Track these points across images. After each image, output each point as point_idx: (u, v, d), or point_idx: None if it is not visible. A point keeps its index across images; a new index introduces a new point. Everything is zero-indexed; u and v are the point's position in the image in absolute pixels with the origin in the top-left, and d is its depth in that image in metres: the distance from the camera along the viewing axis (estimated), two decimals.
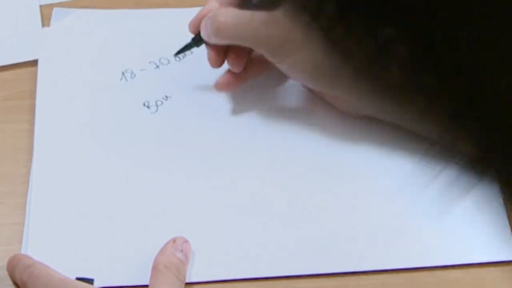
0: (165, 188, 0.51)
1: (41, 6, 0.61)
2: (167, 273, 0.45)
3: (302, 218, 0.49)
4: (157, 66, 0.57)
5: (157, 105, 0.54)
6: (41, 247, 0.48)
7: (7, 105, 0.56)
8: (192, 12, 0.60)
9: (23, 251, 0.48)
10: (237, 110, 0.54)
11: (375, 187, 0.51)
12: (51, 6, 0.61)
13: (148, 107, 0.54)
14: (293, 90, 0.54)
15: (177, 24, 0.59)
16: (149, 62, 0.57)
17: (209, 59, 0.52)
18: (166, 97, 0.55)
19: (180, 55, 0.57)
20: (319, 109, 0.53)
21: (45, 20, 0.60)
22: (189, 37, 0.58)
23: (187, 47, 0.53)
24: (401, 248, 0.47)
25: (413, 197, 0.50)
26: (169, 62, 0.57)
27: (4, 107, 0.55)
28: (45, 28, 0.59)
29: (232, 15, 0.49)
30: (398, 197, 0.50)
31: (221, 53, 0.51)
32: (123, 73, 0.56)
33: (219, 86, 0.52)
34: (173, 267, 0.46)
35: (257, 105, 0.54)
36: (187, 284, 0.47)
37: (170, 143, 0.53)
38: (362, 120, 0.52)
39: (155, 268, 0.46)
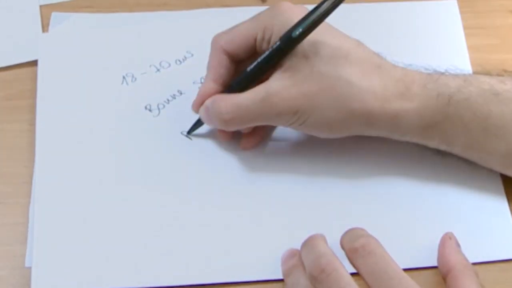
0: (166, 189, 0.51)
1: (41, 7, 0.61)
2: (471, 274, 0.45)
3: (300, 221, 0.50)
4: (158, 70, 0.57)
5: (159, 108, 0.55)
6: (46, 248, 0.48)
7: (7, 105, 0.55)
8: (191, 14, 0.61)
9: (27, 252, 0.48)
10: None
11: (375, 188, 0.51)
12: (51, 6, 0.61)
13: (150, 110, 0.55)
14: None
15: (177, 27, 0.60)
16: (150, 66, 0.57)
17: (220, 135, 0.53)
18: (168, 100, 0.55)
19: (181, 59, 0.57)
20: None
21: (45, 21, 0.60)
22: (188, 37, 0.59)
23: (197, 125, 0.53)
24: (401, 248, 0.48)
25: (413, 197, 0.51)
26: (169, 65, 0.57)
27: (4, 107, 0.55)
28: (45, 33, 0.59)
29: (235, 107, 0.49)
30: (398, 197, 0.51)
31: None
32: (124, 77, 0.56)
33: (245, 147, 0.53)
34: (470, 266, 0.45)
35: None
36: (187, 285, 0.47)
37: (172, 146, 0.53)
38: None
39: (454, 269, 0.45)
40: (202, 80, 0.56)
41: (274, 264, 0.48)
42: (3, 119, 0.55)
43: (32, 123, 0.54)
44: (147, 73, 0.57)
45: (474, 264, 0.46)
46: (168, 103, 0.55)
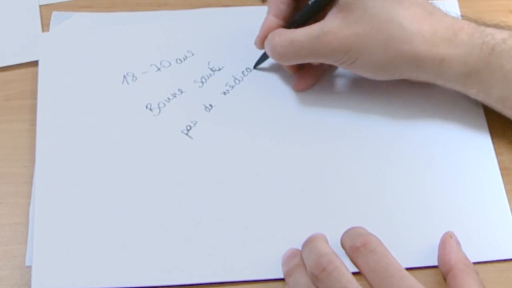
0: (166, 188, 0.51)
1: (40, 7, 0.61)
2: (472, 273, 0.45)
3: (300, 221, 0.50)
4: (159, 69, 0.57)
5: (159, 108, 0.55)
6: (46, 247, 0.48)
7: (8, 105, 0.55)
8: (191, 14, 0.61)
9: (27, 251, 0.48)
10: (242, 109, 0.55)
11: (375, 187, 0.51)
12: (51, 6, 0.61)
13: (150, 109, 0.55)
14: None
15: (178, 26, 0.60)
16: (150, 65, 0.57)
17: (286, 68, 0.56)
18: (169, 99, 0.55)
19: (181, 58, 0.57)
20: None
21: (45, 21, 0.60)
22: (189, 37, 0.59)
23: (262, 59, 0.56)
24: (401, 247, 0.48)
25: (414, 196, 0.51)
26: (170, 64, 0.57)
27: (5, 107, 0.55)
28: (45, 33, 0.59)
29: (288, 41, 0.51)
30: (398, 196, 0.51)
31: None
32: (124, 76, 0.56)
33: (298, 88, 0.55)
34: (471, 264, 0.46)
35: (262, 104, 0.55)
36: (187, 285, 0.47)
37: (173, 145, 0.53)
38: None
39: (455, 268, 0.45)
40: (203, 79, 0.57)
41: (274, 264, 0.48)
42: (3, 119, 0.55)
43: (33, 123, 0.54)
44: (147, 73, 0.57)
45: (474, 264, 0.46)
46: (169, 102, 0.55)
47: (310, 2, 0.51)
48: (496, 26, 0.51)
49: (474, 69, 0.49)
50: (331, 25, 0.50)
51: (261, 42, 0.54)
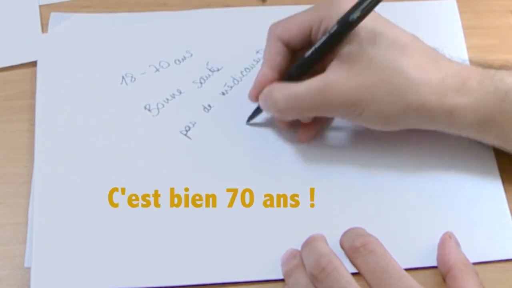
0: (165, 189, 0.51)
1: (40, 7, 0.61)
2: (471, 273, 0.45)
3: (300, 221, 0.50)
4: (157, 70, 0.57)
5: (158, 108, 0.55)
6: (45, 248, 0.48)
7: (8, 105, 0.55)
8: (191, 14, 0.61)
9: (27, 252, 0.48)
10: (241, 109, 0.55)
11: (375, 188, 0.51)
12: (51, 6, 0.61)
13: (149, 110, 0.55)
14: None
15: (177, 27, 0.60)
16: (149, 66, 0.57)
17: (277, 123, 0.53)
18: (167, 99, 0.55)
19: (180, 58, 0.57)
20: None
21: (44, 21, 0.60)
22: (188, 37, 0.59)
23: (255, 113, 0.53)
24: (401, 248, 0.48)
25: (413, 197, 0.51)
26: (168, 65, 0.57)
27: (4, 107, 0.55)
28: (44, 34, 0.59)
29: (290, 97, 0.49)
30: (398, 197, 0.51)
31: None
32: (123, 77, 0.56)
33: (302, 139, 0.53)
34: (470, 265, 0.46)
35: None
36: (187, 285, 0.47)
37: (172, 146, 0.53)
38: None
39: (454, 268, 0.45)
40: (202, 80, 0.57)
41: (274, 264, 0.48)
42: (3, 119, 0.55)
43: (32, 123, 0.54)
44: (146, 73, 0.57)
45: (474, 264, 0.46)
46: (168, 102, 0.55)
47: (306, 55, 0.49)
48: (503, 66, 0.50)
49: (489, 116, 0.48)
50: (334, 78, 0.48)
51: (255, 96, 0.52)
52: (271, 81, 0.51)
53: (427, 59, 0.48)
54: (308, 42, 0.50)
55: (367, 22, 0.47)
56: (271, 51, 0.51)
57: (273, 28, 0.51)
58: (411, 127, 0.49)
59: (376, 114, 0.48)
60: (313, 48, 0.49)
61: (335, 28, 0.47)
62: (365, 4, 0.46)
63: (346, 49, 0.47)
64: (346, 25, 0.47)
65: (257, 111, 0.53)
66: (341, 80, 0.47)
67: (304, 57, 0.49)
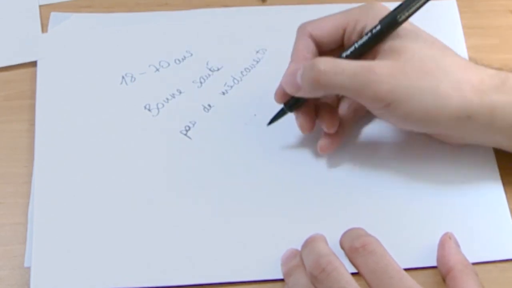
0: (165, 189, 0.51)
1: (40, 7, 0.61)
2: (471, 274, 0.45)
3: (300, 221, 0.50)
4: (157, 69, 0.57)
5: (158, 108, 0.55)
6: (45, 248, 0.48)
7: (7, 105, 0.55)
8: (191, 14, 0.61)
9: (27, 252, 0.48)
10: (241, 109, 0.55)
11: (375, 188, 0.51)
12: (51, 6, 0.61)
13: (149, 110, 0.55)
14: None
15: (177, 26, 0.60)
16: (149, 66, 0.57)
17: (300, 126, 0.51)
18: (167, 99, 0.55)
19: (180, 58, 0.57)
20: None
21: (44, 21, 0.60)
22: (188, 37, 0.59)
23: (279, 115, 0.52)
24: (401, 248, 0.48)
25: (413, 197, 0.51)
26: (168, 65, 0.57)
27: (4, 107, 0.55)
28: (44, 34, 0.59)
29: (333, 63, 0.47)
30: (398, 197, 0.51)
31: (311, 117, 0.51)
32: (123, 77, 0.56)
33: (322, 150, 0.52)
34: (470, 265, 0.46)
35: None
36: (187, 285, 0.47)
37: (172, 145, 0.53)
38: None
39: (454, 269, 0.45)
40: (202, 80, 0.57)
41: (274, 264, 0.48)
42: (3, 119, 0.55)
43: (32, 123, 0.54)
44: (146, 73, 0.57)
45: (474, 264, 0.46)
46: (168, 102, 0.55)
47: (344, 54, 0.48)
48: None
49: None
50: (380, 63, 0.47)
51: (282, 95, 0.50)
52: None
53: (465, 61, 0.49)
54: (338, 43, 0.50)
55: (405, 25, 0.48)
56: (301, 48, 0.50)
57: (303, 25, 0.51)
58: (448, 128, 0.48)
59: (415, 107, 0.46)
60: (353, 47, 0.48)
61: (378, 27, 0.47)
62: (412, 5, 0.47)
63: (388, 44, 0.48)
64: (390, 25, 0.47)
65: (281, 113, 0.52)
66: (384, 67, 0.46)
67: (342, 56, 0.48)
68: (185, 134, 0.54)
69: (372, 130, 0.54)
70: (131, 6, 0.62)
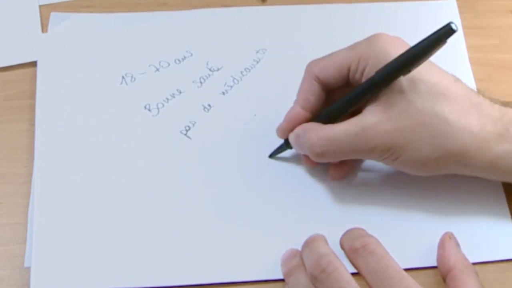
0: (165, 189, 0.51)
1: (40, 7, 0.61)
2: (471, 273, 0.45)
3: (300, 221, 0.50)
4: (157, 69, 0.57)
5: (158, 108, 0.55)
6: (45, 248, 0.48)
7: (7, 105, 0.55)
8: (191, 14, 0.61)
9: (27, 252, 0.48)
10: (241, 109, 0.55)
11: (375, 188, 0.51)
12: (51, 6, 0.61)
13: (149, 110, 0.55)
14: None
15: (177, 26, 0.60)
16: (149, 65, 0.57)
17: (304, 162, 0.52)
18: (167, 99, 0.55)
19: (180, 58, 0.57)
20: None
21: (44, 21, 0.60)
22: (188, 37, 0.59)
23: (280, 149, 0.52)
24: (401, 248, 0.48)
25: (413, 197, 0.51)
26: (168, 65, 0.57)
27: (4, 107, 0.55)
28: (44, 34, 0.59)
29: (327, 141, 0.47)
30: (398, 197, 0.51)
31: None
32: (123, 77, 0.56)
33: (334, 178, 0.52)
34: (470, 265, 0.45)
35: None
36: (187, 285, 0.47)
37: (172, 145, 0.53)
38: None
39: (455, 268, 0.45)
40: (202, 80, 0.57)
41: (274, 264, 0.48)
42: (3, 119, 0.55)
43: (32, 123, 0.54)
44: (146, 73, 0.57)
45: (474, 264, 0.46)
46: (168, 102, 0.55)
47: (341, 101, 0.48)
48: None
49: None
50: (371, 120, 0.46)
51: (284, 132, 0.51)
52: (302, 121, 0.50)
53: (468, 104, 0.47)
54: (345, 81, 0.49)
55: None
56: (306, 90, 0.50)
57: (310, 66, 0.50)
58: (448, 172, 0.48)
59: (413, 158, 0.46)
60: (348, 95, 0.48)
61: (374, 78, 0.46)
62: (414, 61, 0.45)
63: (384, 94, 0.46)
64: (386, 77, 0.46)
65: (283, 147, 0.52)
66: (378, 123, 0.46)
67: (339, 103, 0.48)
68: (185, 134, 0.54)
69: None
70: (131, 6, 0.62)
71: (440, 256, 0.47)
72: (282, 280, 0.47)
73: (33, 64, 0.57)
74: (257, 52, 0.58)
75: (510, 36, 0.61)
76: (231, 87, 0.56)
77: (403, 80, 0.46)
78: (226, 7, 0.61)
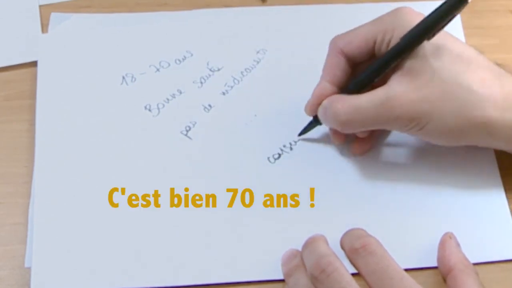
0: (165, 189, 0.51)
1: (40, 7, 0.61)
2: (471, 273, 0.45)
3: (300, 222, 0.50)
4: (158, 69, 0.57)
5: (158, 108, 0.55)
6: (46, 248, 0.48)
7: (8, 105, 0.55)
8: (191, 14, 0.61)
9: (27, 252, 0.48)
10: (241, 109, 0.55)
11: (375, 188, 0.51)
12: (51, 6, 0.61)
13: (149, 110, 0.55)
14: None
15: (177, 26, 0.60)
16: (149, 66, 0.57)
17: (332, 137, 0.52)
18: (168, 99, 0.55)
19: (180, 58, 0.57)
20: None
21: (44, 21, 0.60)
22: (188, 37, 0.59)
23: (310, 126, 0.53)
24: (401, 248, 0.48)
25: (414, 197, 0.51)
26: (169, 65, 0.57)
27: (5, 107, 0.55)
28: (44, 34, 0.59)
29: (352, 109, 0.48)
30: (398, 197, 0.51)
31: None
32: (123, 77, 0.56)
33: (357, 152, 0.52)
34: (471, 265, 0.46)
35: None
36: (187, 285, 0.47)
37: (172, 146, 0.53)
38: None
39: (455, 268, 0.45)
40: (202, 80, 0.57)
41: (274, 264, 0.48)
42: (3, 119, 0.55)
43: (32, 123, 0.54)
44: (146, 73, 0.57)
45: (475, 264, 0.46)
46: (168, 102, 0.55)
47: (368, 71, 0.48)
48: None
49: None
50: (396, 90, 0.47)
51: (313, 109, 0.51)
52: (330, 95, 0.50)
53: (491, 74, 0.47)
54: (370, 55, 0.50)
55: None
56: (332, 65, 0.50)
57: (335, 41, 0.51)
58: (473, 143, 0.48)
59: (438, 128, 0.47)
60: (375, 64, 0.48)
61: (399, 44, 0.47)
62: (430, 21, 0.45)
63: (409, 62, 0.47)
64: (411, 42, 0.46)
65: (312, 124, 0.52)
66: (404, 92, 0.46)
67: (366, 72, 0.49)
68: (186, 135, 0.54)
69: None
70: (131, 6, 0.62)
71: (441, 256, 0.47)
72: (282, 280, 0.47)
73: (33, 64, 0.57)
74: (258, 52, 0.58)
75: (510, 36, 0.61)
76: (232, 87, 0.56)
77: (428, 49, 0.46)
78: (227, 7, 0.62)
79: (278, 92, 0.56)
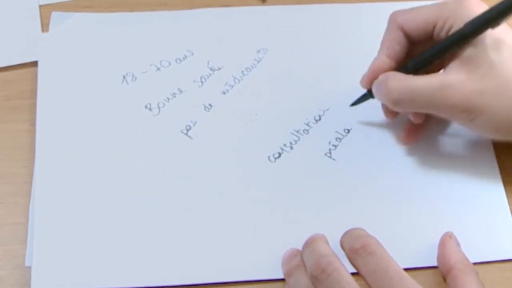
0: (166, 188, 0.51)
1: (40, 7, 0.61)
2: (471, 273, 0.45)
3: (300, 221, 0.50)
4: (158, 69, 0.57)
5: (159, 107, 0.55)
6: (46, 247, 0.48)
7: (8, 105, 0.55)
8: (191, 14, 0.61)
9: (27, 251, 0.48)
10: (242, 109, 0.55)
11: (375, 188, 0.51)
12: (51, 6, 0.61)
13: (150, 109, 0.55)
14: None
15: (177, 26, 0.60)
16: (150, 65, 0.57)
17: (385, 111, 0.53)
18: (168, 99, 0.55)
19: (181, 57, 0.58)
20: None
21: (45, 21, 0.60)
22: (188, 36, 0.59)
23: (363, 99, 0.53)
24: (401, 248, 0.48)
25: (414, 197, 0.51)
26: (170, 64, 0.57)
27: (5, 107, 0.55)
28: (45, 33, 0.59)
29: (407, 89, 0.48)
30: (398, 197, 0.51)
31: None
32: (124, 76, 0.56)
33: (407, 140, 0.53)
34: (471, 265, 0.46)
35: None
36: (188, 285, 0.47)
37: (173, 145, 0.53)
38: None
39: (455, 268, 0.45)
40: (203, 79, 0.57)
41: (274, 264, 0.48)
42: (3, 119, 0.55)
43: (32, 123, 0.54)
44: (147, 72, 0.57)
45: (475, 264, 0.46)
46: (169, 101, 0.55)
47: (429, 52, 0.48)
48: None
49: None
50: (453, 78, 0.47)
51: (368, 82, 0.51)
52: (387, 70, 0.50)
53: None
54: (428, 37, 0.49)
55: (489, 30, 0.46)
56: (391, 39, 0.50)
57: (394, 16, 0.50)
58: None
59: (489, 122, 0.47)
60: (437, 46, 0.48)
61: (464, 29, 0.46)
62: (497, 10, 0.45)
63: (469, 52, 0.47)
64: (477, 29, 0.46)
65: (365, 97, 0.53)
66: (461, 82, 0.46)
67: (426, 53, 0.48)
68: (186, 134, 0.54)
69: (373, 132, 0.54)
70: (131, 6, 0.62)
71: (441, 255, 0.47)
72: (283, 280, 0.47)
73: (34, 64, 0.57)
74: (258, 51, 0.58)
75: None
76: (232, 86, 0.56)
77: (488, 41, 0.46)
78: (227, 7, 0.62)
79: (279, 91, 0.56)
